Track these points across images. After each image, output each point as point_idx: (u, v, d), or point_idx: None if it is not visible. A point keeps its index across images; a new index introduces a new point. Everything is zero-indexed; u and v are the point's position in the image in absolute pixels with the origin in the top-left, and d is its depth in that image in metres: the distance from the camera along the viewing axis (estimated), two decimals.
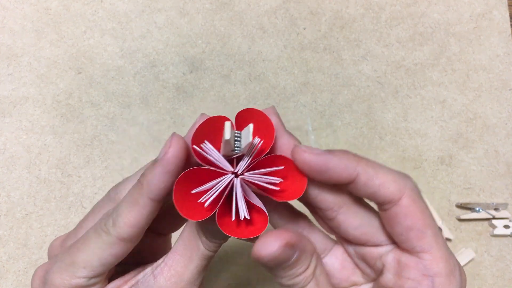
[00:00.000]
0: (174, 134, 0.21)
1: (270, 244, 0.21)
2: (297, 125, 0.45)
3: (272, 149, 0.23)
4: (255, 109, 0.22)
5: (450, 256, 0.22)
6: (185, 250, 0.24)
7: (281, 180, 0.22)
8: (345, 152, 0.23)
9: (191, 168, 0.21)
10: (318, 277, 0.23)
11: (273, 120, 0.24)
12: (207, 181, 0.22)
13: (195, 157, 0.21)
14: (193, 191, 0.21)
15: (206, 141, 0.21)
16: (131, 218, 0.22)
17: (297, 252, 0.22)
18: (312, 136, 0.44)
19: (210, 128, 0.22)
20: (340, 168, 0.22)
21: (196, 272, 0.25)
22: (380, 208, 0.23)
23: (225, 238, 0.25)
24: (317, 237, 0.26)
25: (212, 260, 0.36)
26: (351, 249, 0.25)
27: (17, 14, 0.46)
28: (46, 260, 0.33)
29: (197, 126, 0.21)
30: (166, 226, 0.29)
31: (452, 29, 0.48)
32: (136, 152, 0.43)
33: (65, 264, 0.23)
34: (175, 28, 0.47)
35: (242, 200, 0.22)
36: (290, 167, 0.23)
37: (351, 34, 0.47)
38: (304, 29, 0.47)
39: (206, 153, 0.21)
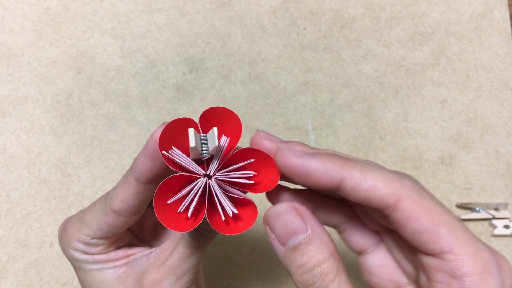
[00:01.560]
0: (162, 123, 0.22)
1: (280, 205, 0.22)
2: (297, 125, 0.45)
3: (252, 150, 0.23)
4: (217, 107, 0.22)
5: (480, 250, 0.19)
6: (175, 237, 0.27)
7: (254, 173, 0.22)
8: (330, 155, 0.22)
9: (165, 180, 0.21)
10: (340, 284, 0.20)
11: (264, 139, 0.24)
12: (183, 187, 0.22)
13: (166, 163, 0.21)
14: (169, 201, 0.21)
15: (173, 147, 0.21)
16: (120, 194, 0.24)
17: (309, 231, 0.21)
18: (312, 136, 0.44)
19: (177, 131, 0.22)
20: (320, 172, 0.21)
21: (178, 259, 0.26)
22: (382, 214, 0.21)
23: (205, 231, 0.26)
24: (360, 232, 0.25)
25: (212, 260, 0.36)
26: (395, 248, 0.24)
27: (17, 14, 0.46)
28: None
29: (160, 130, 0.21)
30: None
31: (452, 29, 0.48)
32: (136, 152, 0.43)
33: (77, 219, 0.27)
34: (175, 28, 0.46)
35: (223, 198, 0.22)
36: (261, 158, 0.23)
37: (351, 34, 0.47)
38: (304, 29, 0.47)
39: (175, 158, 0.21)
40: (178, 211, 0.21)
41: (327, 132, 0.44)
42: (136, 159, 0.23)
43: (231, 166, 0.22)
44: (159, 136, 0.21)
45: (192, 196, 0.21)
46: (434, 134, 0.45)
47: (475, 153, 0.45)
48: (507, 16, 0.48)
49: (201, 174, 0.22)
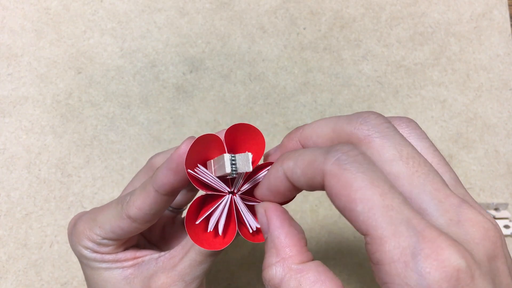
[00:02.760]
0: (189, 137, 0.23)
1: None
2: (297, 125, 0.45)
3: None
4: (241, 124, 0.23)
5: (398, 234, 0.16)
6: (186, 243, 0.26)
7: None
8: (276, 161, 0.21)
9: (191, 203, 0.22)
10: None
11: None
12: (208, 204, 0.23)
13: (191, 181, 0.22)
14: (197, 222, 0.22)
15: (199, 165, 0.22)
16: (138, 201, 0.24)
17: (268, 234, 0.21)
18: None
19: (202, 147, 0.22)
20: (274, 184, 0.21)
21: (189, 265, 0.26)
22: None
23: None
24: None
25: None
26: None
27: (17, 14, 0.46)
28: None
29: (186, 149, 0.22)
30: None
31: (452, 29, 0.48)
32: (136, 152, 0.43)
33: (89, 218, 0.27)
34: (175, 28, 0.46)
35: (248, 213, 0.23)
36: None
37: (351, 34, 0.47)
38: (304, 29, 0.47)
39: (201, 177, 0.22)
40: (208, 231, 0.22)
41: None
42: (158, 170, 0.23)
43: (250, 180, 0.23)
44: (184, 152, 0.22)
45: (219, 214, 0.22)
46: (434, 134, 0.45)
47: (475, 153, 0.45)
48: (507, 16, 0.48)
49: (226, 191, 0.23)
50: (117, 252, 0.27)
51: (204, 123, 0.44)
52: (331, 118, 0.21)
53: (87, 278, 0.28)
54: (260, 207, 0.22)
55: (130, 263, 0.27)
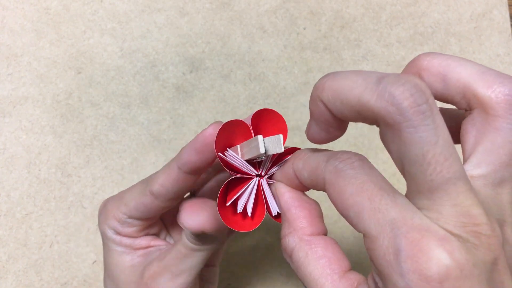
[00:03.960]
0: (215, 122, 0.24)
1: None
2: (297, 125, 0.45)
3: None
4: (264, 110, 0.24)
5: (383, 234, 0.16)
6: (180, 236, 0.28)
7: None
8: (291, 157, 0.22)
9: (222, 187, 0.23)
10: (298, 259, 0.21)
11: None
12: (236, 187, 0.24)
13: (221, 163, 0.23)
14: (228, 204, 0.23)
15: (228, 149, 0.23)
16: (161, 178, 0.26)
17: (279, 209, 0.23)
18: None
19: (229, 132, 0.23)
20: (286, 178, 0.23)
21: (174, 257, 0.27)
22: None
23: (202, 240, 0.27)
24: None
25: None
26: None
27: (17, 14, 0.46)
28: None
29: (212, 132, 0.23)
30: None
31: (452, 29, 0.48)
32: (136, 152, 0.43)
33: (117, 197, 0.28)
34: (175, 28, 0.46)
35: (271, 197, 0.24)
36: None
37: (351, 34, 0.47)
38: (304, 29, 0.47)
39: (230, 160, 0.23)
40: (238, 212, 0.23)
41: None
42: (183, 149, 0.25)
43: (276, 165, 0.24)
44: (210, 134, 0.23)
45: (247, 196, 0.23)
46: None
47: None
48: (507, 16, 0.48)
49: (254, 174, 0.24)
50: (136, 237, 0.28)
51: (204, 123, 0.44)
52: (358, 80, 0.18)
53: (104, 259, 0.30)
54: (273, 186, 0.23)
55: (141, 252, 0.28)
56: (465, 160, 0.20)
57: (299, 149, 0.24)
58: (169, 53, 0.46)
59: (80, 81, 0.45)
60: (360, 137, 0.44)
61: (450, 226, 0.16)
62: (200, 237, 0.26)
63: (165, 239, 0.31)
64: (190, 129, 0.44)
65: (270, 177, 0.24)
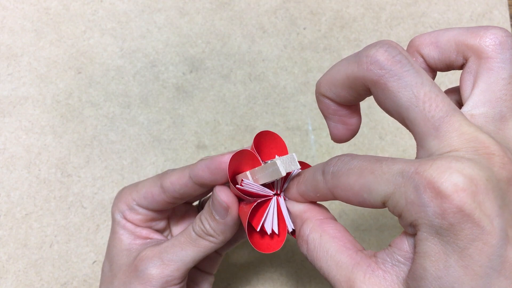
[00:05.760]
0: (229, 152, 0.26)
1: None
2: (297, 125, 0.45)
3: None
4: (260, 133, 0.25)
5: (399, 181, 0.18)
6: (182, 233, 0.29)
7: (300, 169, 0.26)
8: (293, 181, 0.24)
9: (248, 218, 0.25)
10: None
11: None
12: (258, 211, 0.25)
13: (230, 194, 0.25)
14: (258, 229, 0.24)
15: (244, 180, 0.25)
16: (173, 177, 0.28)
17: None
18: (312, 136, 0.44)
19: (238, 161, 0.25)
20: (295, 199, 0.24)
21: (171, 244, 0.28)
22: None
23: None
24: None
25: None
26: None
27: (17, 14, 0.46)
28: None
29: (228, 158, 0.25)
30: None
31: None
32: (136, 152, 0.43)
33: (134, 184, 0.30)
34: (175, 28, 0.46)
35: (287, 214, 0.25)
36: (304, 167, 0.26)
37: (351, 34, 0.47)
38: (304, 29, 0.47)
39: (249, 189, 0.24)
40: (269, 233, 0.25)
41: (327, 132, 0.44)
42: (199, 161, 0.27)
43: (285, 179, 0.25)
44: (226, 161, 0.25)
45: (271, 216, 0.25)
46: None
47: None
48: (507, 16, 0.48)
49: (271, 194, 0.25)
50: (139, 226, 0.30)
51: (204, 123, 0.44)
52: (341, 63, 0.22)
53: (108, 241, 0.31)
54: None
55: (141, 241, 0.30)
56: (464, 104, 0.21)
57: (301, 162, 0.25)
58: (169, 53, 0.46)
59: (80, 81, 0.45)
60: (360, 137, 0.44)
61: (462, 153, 0.17)
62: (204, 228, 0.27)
63: (166, 237, 0.32)
64: (190, 129, 0.44)
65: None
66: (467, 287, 0.16)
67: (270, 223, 0.24)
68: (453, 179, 0.16)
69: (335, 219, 0.23)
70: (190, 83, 0.45)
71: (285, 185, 0.25)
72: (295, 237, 0.25)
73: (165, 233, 0.32)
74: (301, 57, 0.46)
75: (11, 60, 0.45)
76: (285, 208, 0.25)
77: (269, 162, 0.23)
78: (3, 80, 0.44)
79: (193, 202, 0.34)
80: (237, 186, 0.24)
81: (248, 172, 0.25)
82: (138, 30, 0.46)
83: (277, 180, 0.25)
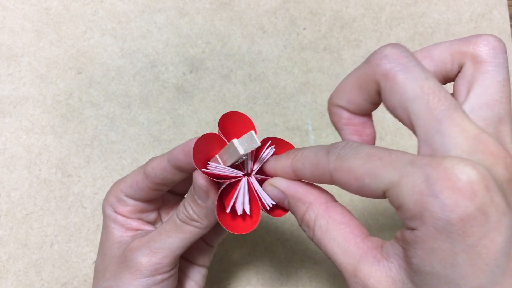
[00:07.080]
0: (192, 139, 0.25)
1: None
2: (297, 125, 0.45)
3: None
4: (225, 114, 0.25)
5: (410, 172, 0.18)
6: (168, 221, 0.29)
7: (274, 148, 0.26)
8: (283, 156, 0.24)
9: (217, 198, 0.24)
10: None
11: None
12: (230, 193, 0.25)
13: (208, 177, 0.24)
14: (228, 209, 0.24)
15: (209, 162, 0.24)
16: (154, 163, 0.28)
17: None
18: (312, 136, 0.44)
19: (203, 147, 0.24)
20: (283, 175, 0.24)
21: (157, 233, 0.28)
22: None
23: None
24: None
25: (213, 260, 0.36)
26: None
27: (17, 14, 0.46)
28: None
29: (190, 148, 0.24)
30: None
31: (452, 29, 0.48)
32: (136, 152, 0.43)
33: (122, 178, 0.31)
34: (175, 28, 0.47)
35: (262, 192, 0.25)
36: (277, 143, 0.26)
37: (351, 34, 0.47)
38: (304, 29, 0.47)
39: (215, 171, 0.24)
40: (239, 214, 0.24)
41: (327, 132, 0.44)
42: (176, 146, 0.27)
43: (258, 159, 0.25)
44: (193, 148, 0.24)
45: (242, 197, 0.24)
46: None
47: None
48: (507, 16, 0.48)
49: (241, 175, 0.25)
50: (129, 218, 0.30)
51: (204, 123, 0.44)
52: (351, 71, 0.22)
53: (100, 236, 0.31)
54: (268, 186, 0.25)
55: (132, 233, 0.30)
56: None
57: (272, 138, 0.25)
58: (169, 53, 0.46)
59: (80, 81, 0.45)
60: None
61: (465, 152, 0.18)
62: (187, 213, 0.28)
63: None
64: (190, 129, 0.44)
65: (257, 173, 0.25)
66: (473, 284, 0.16)
67: (241, 203, 0.24)
68: (468, 173, 0.16)
69: (338, 202, 0.23)
70: (190, 83, 0.45)
71: (257, 165, 0.25)
72: (274, 215, 0.25)
73: (157, 225, 0.32)
74: (301, 57, 0.46)
75: (11, 60, 0.45)
76: (259, 187, 0.25)
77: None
78: (4, 80, 0.44)
79: (183, 193, 0.34)
80: (203, 169, 0.24)
81: (217, 155, 0.25)
82: (138, 31, 0.46)
83: (246, 160, 0.25)
